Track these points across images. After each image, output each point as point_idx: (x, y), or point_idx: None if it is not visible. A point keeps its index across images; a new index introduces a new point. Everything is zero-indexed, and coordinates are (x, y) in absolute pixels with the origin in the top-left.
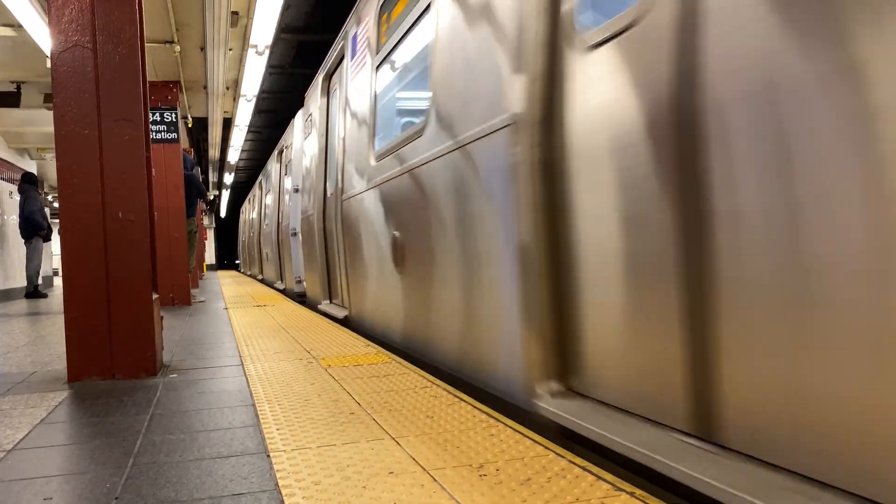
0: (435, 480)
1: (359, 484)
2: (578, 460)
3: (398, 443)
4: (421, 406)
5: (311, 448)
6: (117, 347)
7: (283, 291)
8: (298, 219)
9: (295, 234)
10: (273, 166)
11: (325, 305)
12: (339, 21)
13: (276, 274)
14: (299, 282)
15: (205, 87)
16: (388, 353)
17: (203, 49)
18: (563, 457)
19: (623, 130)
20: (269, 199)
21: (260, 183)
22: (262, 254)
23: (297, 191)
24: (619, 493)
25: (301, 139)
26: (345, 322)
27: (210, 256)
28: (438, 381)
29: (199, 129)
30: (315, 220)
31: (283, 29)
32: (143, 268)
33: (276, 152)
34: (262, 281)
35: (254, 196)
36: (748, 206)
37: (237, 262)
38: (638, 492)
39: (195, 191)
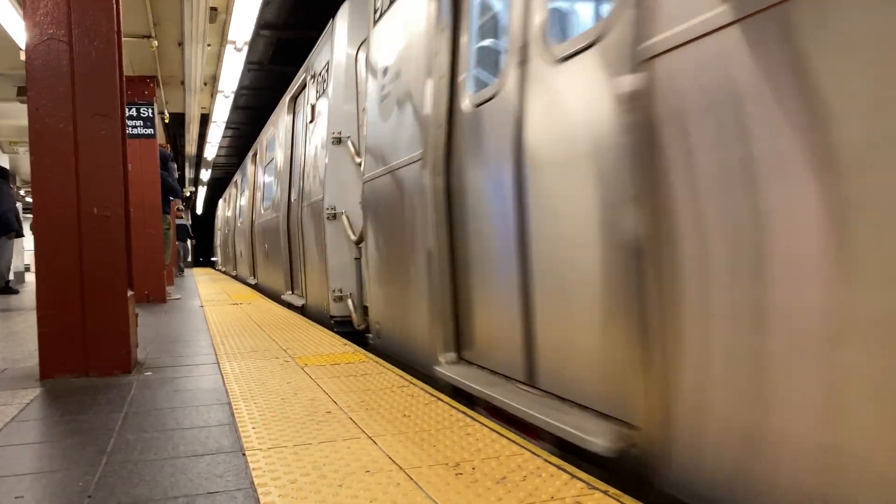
0: (411, 479)
1: (335, 482)
2: (553, 459)
3: (375, 441)
4: (398, 405)
5: (288, 447)
6: (91, 344)
7: (300, 309)
8: (346, 188)
9: (334, 217)
10: (281, 120)
11: (466, 376)
12: (319, 18)
13: (284, 281)
14: (339, 299)
15: (182, 83)
16: (365, 351)
17: (181, 44)
18: (538, 455)
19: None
20: (273, 172)
21: (254, 156)
22: (257, 250)
23: (338, 141)
24: (593, 491)
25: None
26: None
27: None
28: (416, 381)
29: (176, 124)
30: (420, 175)
31: (263, 25)
32: (118, 264)
33: (285, 100)
34: (256, 287)
35: (241, 178)
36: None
37: (213, 259)
38: (612, 490)
39: (166, 191)
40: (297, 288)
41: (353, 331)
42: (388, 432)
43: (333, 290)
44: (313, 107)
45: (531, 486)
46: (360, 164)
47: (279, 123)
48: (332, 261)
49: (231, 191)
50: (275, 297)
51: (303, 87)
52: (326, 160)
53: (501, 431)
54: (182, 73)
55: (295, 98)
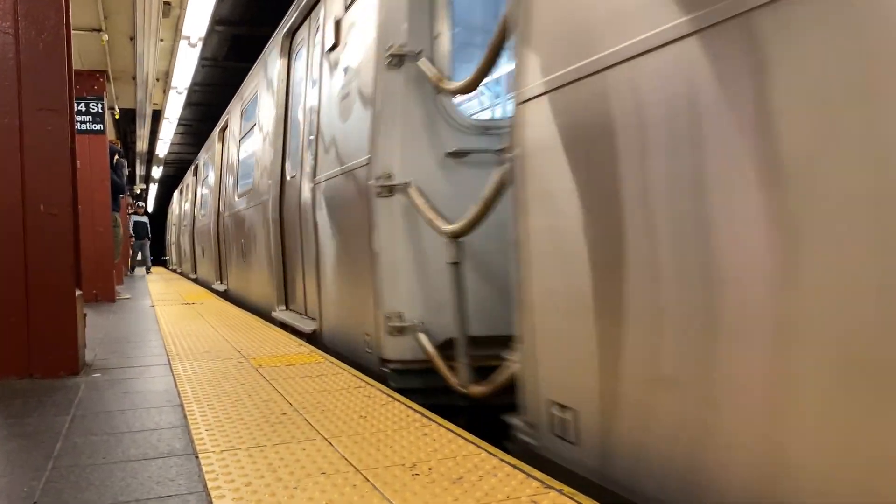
0: (367, 480)
1: (290, 485)
2: (509, 459)
3: (331, 443)
4: (354, 406)
5: (242, 449)
6: (36, 345)
7: (310, 337)
8: (414, 142)
9: (390, 192)
10: (270, 70)
11: None
12: (274, 15)
13: (275, 292)
14: (399, 331)
15: (134, 78)
16: (321, 352)
17: (133, 39)
18: (494, 455)
19: None
20: (254, 144)
21: (222, 131)
22: (228, 249)
23: (397, 63)
24: (548, 490)
25: None
26: None
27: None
28: (372, 382)
29: (127, 120)
30: None
31: (217, 21)
32: (65, 263)
33: (278, 38)
34: (226, 295)
35: (203, 162)
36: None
37: (164, 258)
38: (567, 489)
39: (113, 188)
40: (294, 302)
41: (427, 387)
42: (345, 433)
43: (389, 317)
44: (338, 23)
45: (487, 485)
46: (444, 94)
47: (266, 75)
48: (386, 265)
49: (189, 180)
50: (257, 311)
51: (311, 7)
52: (376, 99)
53: (458, 432)
54: (133, 68)
55: (294, 31)
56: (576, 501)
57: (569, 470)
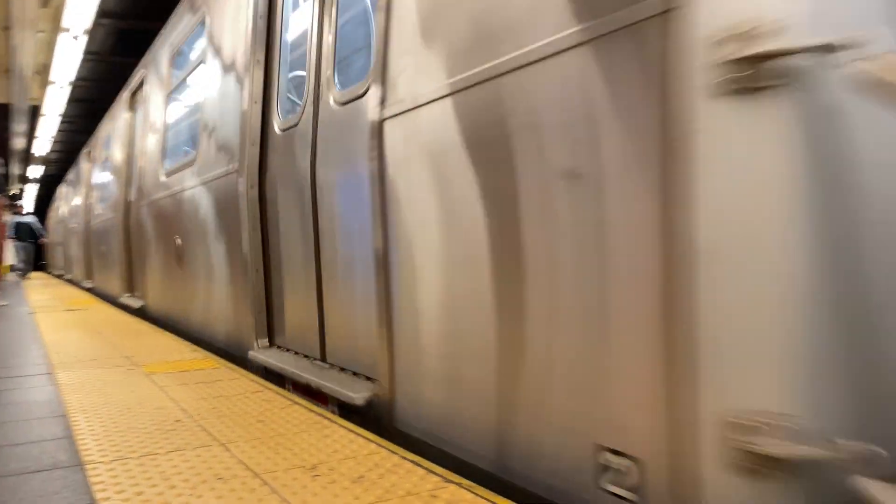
0: (266, 484)
1: (185, 492)
2: (410, 455)
3: (227, 448)
4: (252, 411)
5: (133, 458)
6: None
7: (343, 409)
8: None
9: (769, 78)
10: None
11: None
12: (163, 8)
13: (249, 319)
14: (776, 462)
15: (8, 71)
16: (216, 357)
17: (7, 29)
18: (395, 453)
19: None
20: (209, 84)
21: (133, 93)
22: (146, 249)
23: None
24: (448, 484)
25: None
26: None
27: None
28: (270, 385)
29: (1, 116)
30: None
31: (103, 14)
32: None
33: None
34: (143, 311)
35: (105, 139)
36: None
37: (43, 262)
38: (465, 482)
39: None
40: (283, 335)
41: None
42: (242, 438)
43: (741, 424)
44: None
45: (388, 483)
46: None
47: None
48: (731, 280)
49: (80, 168)
50: (201, 340)
51: None
52: None
53: (358, 431)
54: (7, 61)
55: None
56: (474, 493)
57: None
